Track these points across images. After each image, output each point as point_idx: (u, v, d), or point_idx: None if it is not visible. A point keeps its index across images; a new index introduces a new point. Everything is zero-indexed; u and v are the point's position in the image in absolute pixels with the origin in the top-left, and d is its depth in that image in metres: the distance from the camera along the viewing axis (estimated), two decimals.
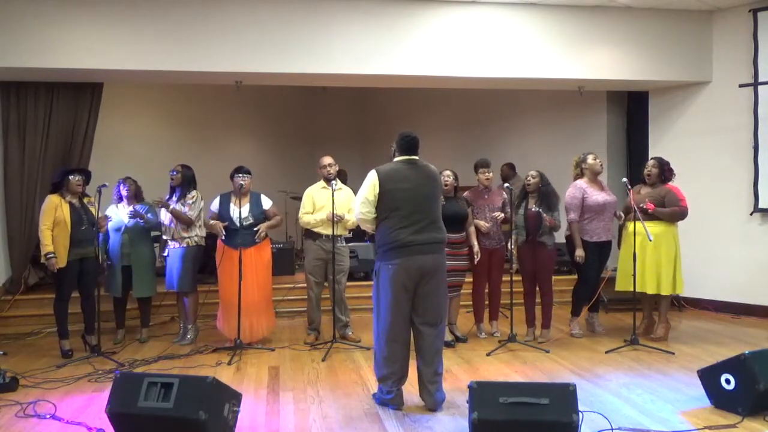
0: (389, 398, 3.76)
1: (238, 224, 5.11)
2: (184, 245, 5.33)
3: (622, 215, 5.48)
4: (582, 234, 5.40)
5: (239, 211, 5.14)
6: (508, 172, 8.01)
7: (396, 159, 3.86)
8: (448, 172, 5.22)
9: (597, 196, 5.38)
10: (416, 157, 3.84)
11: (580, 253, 5.33)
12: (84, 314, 5.17)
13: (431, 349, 3.72)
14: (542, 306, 5.38)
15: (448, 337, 5.27)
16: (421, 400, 3.79)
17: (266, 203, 5.41)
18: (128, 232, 5.36)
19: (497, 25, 6.31)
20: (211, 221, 5.27)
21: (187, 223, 5.30)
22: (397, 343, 3.68)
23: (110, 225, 5.33)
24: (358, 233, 7.09)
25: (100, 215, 5.13)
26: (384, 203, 3.70)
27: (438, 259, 3.73)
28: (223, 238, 5.21)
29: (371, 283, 3.89)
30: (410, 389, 3.99)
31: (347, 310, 5.52)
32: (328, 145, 8.68)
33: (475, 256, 5.23)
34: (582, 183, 5.49)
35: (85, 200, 5.16)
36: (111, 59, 5.71)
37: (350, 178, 7.84)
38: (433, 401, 3.70)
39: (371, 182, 3.73)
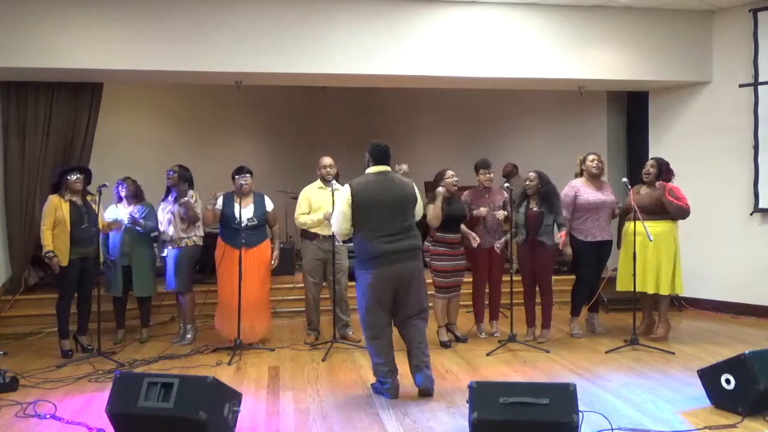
0: (384, 387, 3.94)
1: (240, 224, 5.10)
2: (183, 245, 5.33)
3: (620, 206, 5.47)
4: (576, 233, 5.41)
5: (243, 210, 5.13)
6: (512, 170, 8.02)
7: (369, 170, 4.00)
8: (452, 172, 5.22)
9: (590, 195, 5.38)
10: (388, 168, 4.01)
11: (568, 251, 5.37)
12: (78, 314, 5.18)
13: (416, 331, 3.95)
14: (542, 306, 5.38)
15: (447, 337, 5.29)
16: (419, 396, 3.89)
17: (269, 205, 5.41)
18: (128, 232, 5.36)
19: (497, 25, 6.31)
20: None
21: (194, 219, 5.30)
22: (380, 339, 3.93)
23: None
24: None
25: (100, 215, 5.14)
26: (359, 215, 3.86)
27: (414, 265, 3.95)
28: (218, 205, 5.20)
29: None
30: (410, 390, 4.01)
31: (348, 310, 5.52)
32: (328, 145, 8.68)
33: (474, 242, 5.19)
34: (577, 182, 5.49)
35: (89, 198, 5.16)
36: (111, 59, 5.71)
37: (347, 178, 7.82)
38: (424, 377, 3.88)
39: (345, 196, 3.89)
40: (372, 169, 4.00)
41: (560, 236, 5.19)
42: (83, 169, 5.30)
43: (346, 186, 3.95)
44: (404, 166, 5.09)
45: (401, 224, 3.90)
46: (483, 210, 5.25)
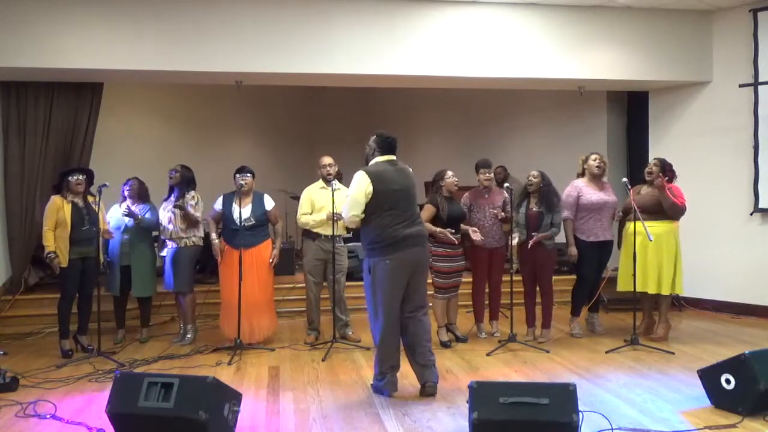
0: (383, 383, 3.94)
1: (239, 224, 5.11)
2: (182, 245, 5.33)
3: (621, 214, 5.49)
4: (579, 233, 5.40)
5: (240, 211, 5.14)
6: (505, 175, 8.04)
7: (378, 159, 4.01)
8: (451, 172, 5.22)
9: (592, 195, 5.38)
10: (395, 157, 4.05)
11: (573, 251, 5.36)
12: (79, 314, 5.19)
13: (423, 328, 3.98)
14: (542, 306, 5.38)
15: (447, 337, 5.29)
16: (419, 396, 3.91)
17: (269, 204, 5.41)
18: (128, 232, 5.36)
19: (497, 25, 6.31)
20: (214, 241, 5.31)
21: (195, 224, 5.31)
22: (394, 331, 3.93)
23: (110, 224, 5.34)
24: (357, 233, 7.10)
25: (101, 215, 5.14)
26: (376, 203, 3.85)
27: (425, 251, 4.08)
28: (217, 206, 5.35)
29: None
30: (410, 389, 4.01)
31: (347, 310, 5.52)
32: (328, 145, 8.69)
33: (475, 234, 5.17)
34: (579, 182, 5.49)
35: (90, 199, 5.16)
36: (111, 59, 5.71)
37: (348, 178, 7.83)
38: (432, 374, 3.92)
39: (363, 184, 3.86)
40: (382, 158, 4.00)
41: (539, 236, 5.13)
42: (85, 170, 5.29)
43: (361, 173, 3.89)
44: (450, 173, 5.24)
45: (413, 210, 3.97)
46: (478, 239, 5.20)
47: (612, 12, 6.48)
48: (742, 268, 6.42)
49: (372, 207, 3.85)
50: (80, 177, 5.08)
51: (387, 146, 4.02)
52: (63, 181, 5.06)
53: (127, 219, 5.34)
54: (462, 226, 5.25)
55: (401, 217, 3.86)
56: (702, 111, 6.79)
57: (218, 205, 5.34)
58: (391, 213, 3.84)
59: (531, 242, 5.15)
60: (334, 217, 5.14)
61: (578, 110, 8.05)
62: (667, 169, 5.36)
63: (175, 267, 5.33)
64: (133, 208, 5.38)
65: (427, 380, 3.92)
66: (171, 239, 5.34)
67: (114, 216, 5.42)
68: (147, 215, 5.38)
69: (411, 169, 4.11)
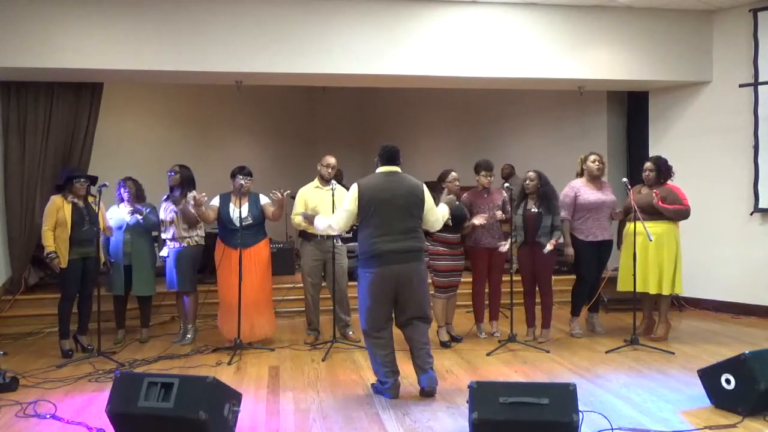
0: (385, 387, 3.95)
1: (237, 224, 5.11)
2: (185, 245, 5.34)
3: (620, 212, 5.47)
4: (577, 233, 5.40)
5: (239, 211, 5.14)
6: (510, 171, 8.07)
7: (378, 170, 4.04)
8: (455, 174, 5.20)
9: (590, 195, 5.38)
10: (397, 168, 4.03)
11: (569, 252, 5.36)
12: (79, 314, 5.19)
13: (419, 331, 3.97)
14: (542, 306, 5.38)
15: (445, 337, 5.28)
16: (419, 396, 3.91)
17: (264, 201, 5.41)
18: (129, 231, 5.37)
19: (497, 25, 6.31)
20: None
21: (194, 221, 5.31)
22: (381, 339, 3.94)
23: (111, 224, 5.34)
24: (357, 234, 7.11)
25: (101, 215, 5.14)
26: (363, 213, 3.91)
27: (415, 266, 3.93)
28: (214, 202, 5.27)
29: None
30: (411, 389, 4.01)
31: (349, 310, 5.51)
32: (328, 144, 8.70)
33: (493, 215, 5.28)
34: (577, 182, 5.49)
35: (90, 199, 5.17)
36: (111, 59, 5.70)
37: (348, 177, 7.86)
38: (429, 379, 3.91)
39: (353, 195, 3.93)
40: (381, 169, 4.02)
41: (551, 243, 5.14)
42: (91, 177, 5.27)
43: (354, 185, 3.98)
44: (454, 174, 5.16)
45: (405, 225, 3.90)
46: (481, 218, 5.21)
47: (612, 12, 6.47)
48: (742, 268, 6.42)
49: (359, 216, 3.94)
50: (85, 181, 5.10)
51: (386, 157, 4.03)
52: (67, 183, 5.06)
53: (128, 218, 5.35)
54: (474, 218, 5.25)
55: (385, 229, 3.85)
56: (702, 111, 6.79)
57: (215, 203, 5.33)
58: (373, 224, 3.87)
59: (546, 248, 5.12)
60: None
61: (578, 110, 8.05)
62: (663, 169, 5.35)
63: (178, 267, 5.33)
64: (130, 208, 5.40)
65: (426, 384, 3.94)
66: (174, 239, 5.35)
67: (114, 216, 5.43)
68: (150, 216, 5.39)
69: (417, 182, 4.02)
